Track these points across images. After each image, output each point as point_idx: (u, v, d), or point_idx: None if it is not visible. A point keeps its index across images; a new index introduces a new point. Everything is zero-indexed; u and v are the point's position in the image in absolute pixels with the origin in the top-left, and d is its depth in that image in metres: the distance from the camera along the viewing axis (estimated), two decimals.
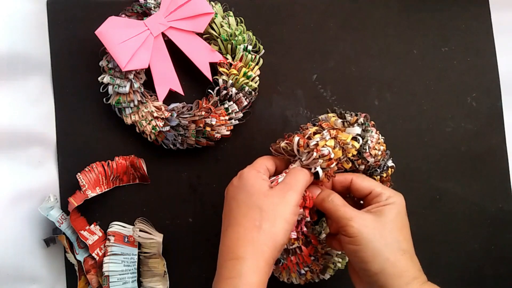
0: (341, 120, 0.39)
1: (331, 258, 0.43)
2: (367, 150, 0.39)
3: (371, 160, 0.39)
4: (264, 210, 0.34)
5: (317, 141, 0.37)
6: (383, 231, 0.35)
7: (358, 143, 0.38)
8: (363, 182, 0.38)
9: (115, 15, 0.45)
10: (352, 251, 0.35)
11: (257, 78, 0.47)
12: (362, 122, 0.39)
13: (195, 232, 0.49)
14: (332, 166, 0.37)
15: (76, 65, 0.49)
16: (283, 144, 0.39)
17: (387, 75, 0.50)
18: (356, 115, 0.39)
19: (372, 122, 0.40)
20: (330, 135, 0.37)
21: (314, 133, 0.38)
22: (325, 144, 0.37)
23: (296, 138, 0.38)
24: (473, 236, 0.49)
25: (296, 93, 0.50)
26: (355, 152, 0.38)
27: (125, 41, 0.44)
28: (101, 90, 0.47)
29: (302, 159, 0.38)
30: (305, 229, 0.39)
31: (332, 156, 0.37)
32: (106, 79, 0.45)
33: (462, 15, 0.50)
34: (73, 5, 0.50)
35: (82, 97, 0.49)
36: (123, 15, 0.46)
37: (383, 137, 0.41)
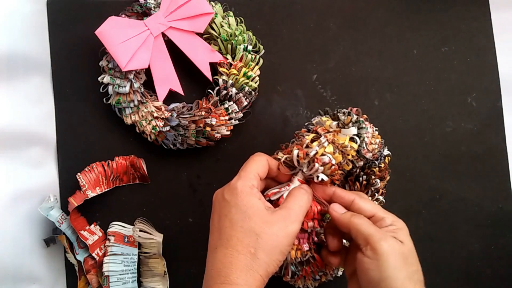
0: (336, 122, 0.38)
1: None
2: (365, 148, 0.38)
3: (369, 155, 0.39)
4: (262, 238, 0.33)
5: (316, 150, 0.36)
6: (406, 258, 0.33)
7: (356, 143, 0.37)
8: (366, 205, 0.37)
9: (115, 15, 0.45)
10: (369, 268, 0.33)
11: (257, 78, 0.47)
12: (356, 120, 0.38)
13: (195, 232, 0.49)
14: (336, 172, 0.37)
15: (76, 65, 0.49)
16: (283, 158, 0.38)
17: (387, 75, 0.50)
18: (349, 113, 0.38)
19: (365, 116, 0.40)
20: (328, 140, 0.37)
21: (312, 141, 0.37)
22: (325, 151, 0.36)
23: (295, 151, 0.37)
24: (473, 236, 0.49)
25: (296, 93, 0.50)
26: (354, 153, 0.38)
27: (125, 41, 0.44)
28: (101, 90, 0.47)
29: (304, 170, 0.37)
30: (316, 238, 0.39)
31: (334, 162, 0.36)
32: (106, 79, 0.45)
33: (462, 15, 0.50)
34: (73, 5, 0.50)
35: (82, 97, 0.49)
36: (123, 15, 0.46)
37: (376, 129, 0.41)
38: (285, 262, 0.39)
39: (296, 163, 0.38)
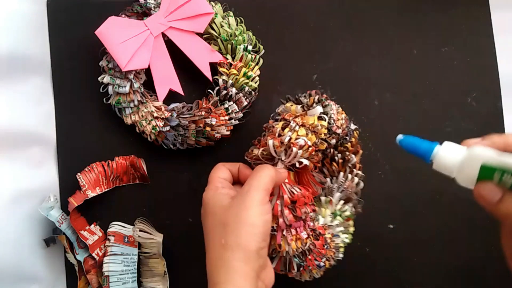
0: (300, 105, 0.38)
1: (339, 238, 0.43)
2: (334, 124, 0.39)
3: (339, 131, 0.39)
4: (228, 224, 0.32)
5: (290, 135, 0.36)
6: None
7: (325, 121, 0.38)
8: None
9: (115, 15, 0.45)
10: None
11: (257, 78, 0.47)
12: (319, 99, 0.38)
13: (195, 232, 0.49)
14: (315, 153, 0.37)
15: (76, 65, 0.49)
16: (259, 152, 0.38)
17: (387, 75, 0.50)
18: (310, 95, 0.38)
19: (325, 95, 0.40)
20: (298, 124, 0.37)
21: (282, 128, 0.38)
22: (298, 135, 0.36)
23: (270, 141, 0.37)
24: (473, 236, 0.49)
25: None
26: (325, 131, 0.38)
27: (125, 41, 0.44)
28: (101, 90, 0.47)
29: (283, 159, 0.37)
30: (312, 224, 0.39)
31: (309, 143, 0.37)
32: (106, 79, 0.45)
33: (462, 15, 0.50)
34: (73, 5, 0.50)
35: (82, 97, 0.49)
36: (123, 15, 0.46)
37: (338, 105, 0.41)
38: (287, 257, 0.39)
39: (274, 153, 0.38)
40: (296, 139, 0.36)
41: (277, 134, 0.37)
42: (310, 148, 0.37)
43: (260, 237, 0.32)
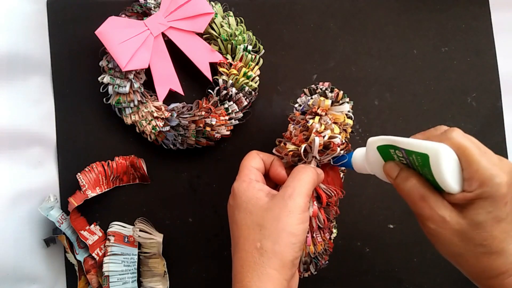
0: (330, 100, 0.37)
1: (333, 233, 0.42)
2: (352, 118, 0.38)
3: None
4: (265, 227, 0.31)
5: (329, 134, 0.35)
6: (467, 235, 0.28)
7: (352, 119, 0.37)
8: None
9: (115, 15, 0.45)
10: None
11: (257, 78, 0.47)
12: (342, 95, 0.37)
13: (195, 232, 0.49)
14: (346, 148, 0.37)
15: (76, 65, 0.49)
16: (301, 149, 0.36)
17: (387, 75, 0.50)
18: (332, 90, 0.37)
19: (328, 83, 0.39)
20: (330, 120, 0.36)
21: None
22: (334, 133, 0.35)
23: (317, 139, 0.35)
24: None
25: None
26: (350, 130, 0.38)
27: (125, 41, 0.44)
28: (101, 90, 0.47)
29: (318, 157, 0.36)
30: (327, 234, 0.38)
31: (343, 141, 0.36)
32: (106, 79, 0.45)
33: (462, 15, 0.50)
34: (73, 5, 0.50)
35: (82, 97, 0.49)
36: (123, 15, 0.46)
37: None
38: (308, 258, 0.37)
39: (316, 152, 0.36)
40: (333, 137, 0.35)
41: (314, 130, 0.36)
42: (347, 146, 0.36)
43: (298, 247, 0.31)
